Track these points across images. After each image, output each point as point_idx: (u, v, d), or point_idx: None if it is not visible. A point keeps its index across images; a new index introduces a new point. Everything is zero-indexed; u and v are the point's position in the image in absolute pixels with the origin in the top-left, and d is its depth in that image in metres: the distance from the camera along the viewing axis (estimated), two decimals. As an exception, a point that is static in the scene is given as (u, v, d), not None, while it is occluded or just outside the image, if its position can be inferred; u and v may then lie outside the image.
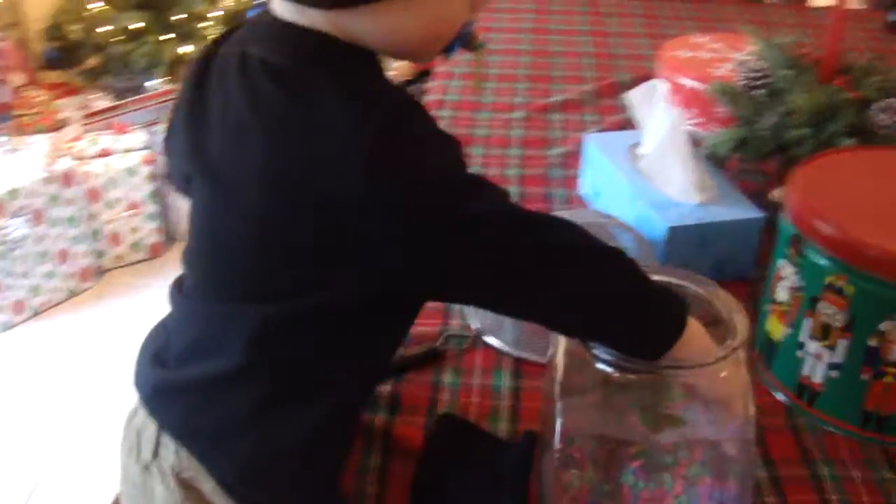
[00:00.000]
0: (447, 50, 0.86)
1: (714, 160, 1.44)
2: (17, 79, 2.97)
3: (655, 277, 0.87)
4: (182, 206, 3.01)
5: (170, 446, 0.90)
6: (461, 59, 2.07)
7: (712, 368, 0.83)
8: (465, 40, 0.85)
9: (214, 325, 0.88)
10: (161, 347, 0.93)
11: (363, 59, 0.82)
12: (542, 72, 2.02)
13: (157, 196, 2.98)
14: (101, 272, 2.97)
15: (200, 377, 0.88)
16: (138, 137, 2.93)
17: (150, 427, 0.91)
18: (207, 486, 0.89)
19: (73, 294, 2.86)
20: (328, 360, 0.88)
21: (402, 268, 0.78)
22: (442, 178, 0.77)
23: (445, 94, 1.92)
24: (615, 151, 1.47)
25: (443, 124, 1.76)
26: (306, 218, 0.76)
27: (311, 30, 0.80)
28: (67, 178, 2.72)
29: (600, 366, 0.83)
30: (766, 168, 1.43)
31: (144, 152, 2.91)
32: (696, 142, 1.42)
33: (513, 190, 1.57)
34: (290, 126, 0.76)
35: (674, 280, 0.89)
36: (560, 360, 0.87)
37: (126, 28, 3.06)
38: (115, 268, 3.01)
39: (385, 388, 1.15)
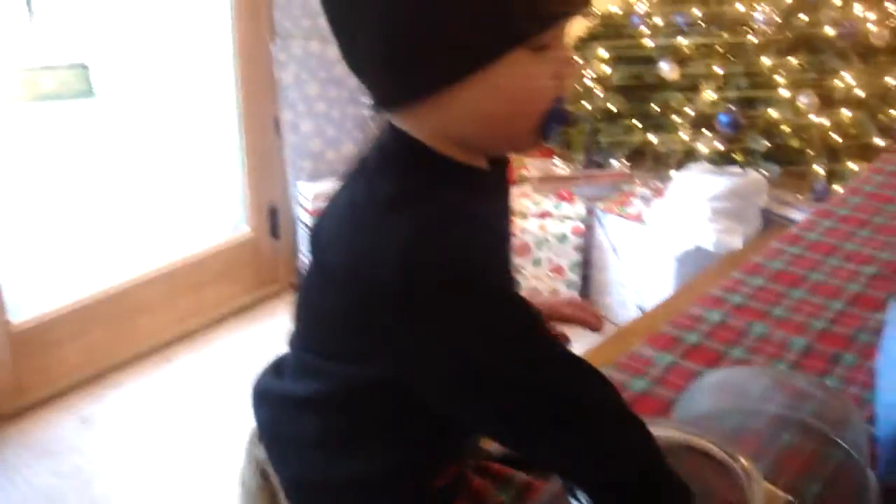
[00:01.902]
0: (545, 131, 0.86)
1: None
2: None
3: (678, 436, 0.81)
4: (602, 279, 3.12)
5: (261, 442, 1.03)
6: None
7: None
8: (559, 117, 0.84)
9: (301, 366, 0.99)
10: (280, 361, 1.06)
11: (432, 165, 0.87)
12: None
13: (580, 266, 3.12)
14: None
15: (287, 394, 1.00)
16: (578, 209, 3.10)
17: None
18: (276, 484, 1.01)
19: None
20: (377, 426, 0.94)
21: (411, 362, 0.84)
22: (460, 286, 0.80)
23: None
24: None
25: (785, 257, 1.69)
26: (360, 299, 0.84)
27: (396, 131, 0.87)
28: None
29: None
30: None
31: (578, 223, 3.07)
32: None
33: (797, 341, 1.45)
34: (361, 218, 0.86)
35: (702, 443, 0.81)
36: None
37: (606, 108, 3.24)
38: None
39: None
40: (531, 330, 0.83)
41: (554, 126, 0.85)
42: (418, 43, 0.80)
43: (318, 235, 0.95)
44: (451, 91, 0.81)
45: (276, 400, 1.02)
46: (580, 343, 1.18)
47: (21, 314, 2.58)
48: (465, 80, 0.81)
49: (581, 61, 3.31)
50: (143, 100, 4.78)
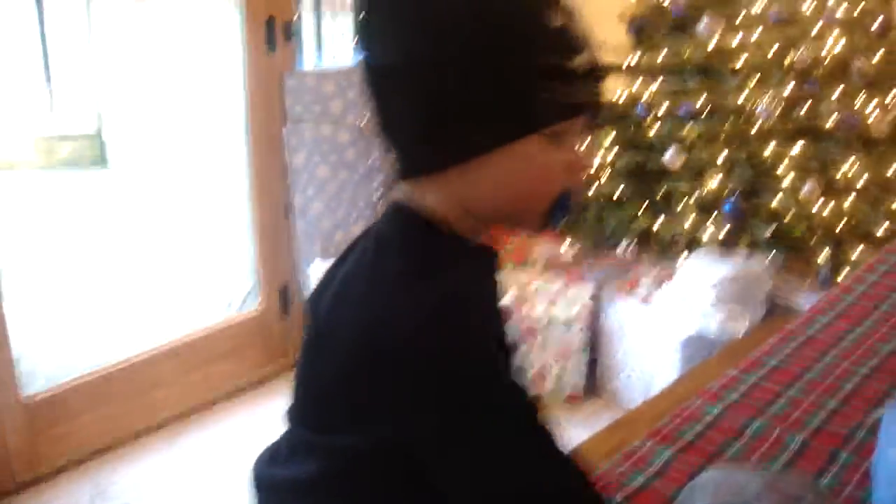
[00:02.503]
0: (553, 217, 0.94)
1: None
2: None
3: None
4: (608, 363, 3.15)
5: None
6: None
7: None
8: (564, 207, 0.93)
9: (296, 444, 1.03)
10: (276, 448, 1.10)
11: (444, 240, 0.93)
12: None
13: (587, 350, 3.15)
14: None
15: (282, 479, 1.04)
16: (585, 292, 3.15)
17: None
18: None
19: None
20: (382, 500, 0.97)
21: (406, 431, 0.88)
22: (470, 367, 0.86)
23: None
24: (903, 431, 1.34)
25: (781, 354, 1.74)
26: (363, 360, 0.90)
27: (407, 206, 0.94)
28: (509, 312, 3.00)
29: None
30: None
31: (585, 307, 3.12)
32: None
33: (793, 439, 1.49)
34: (373, 285, 0.92)
35: None
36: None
37: (611, 193, 3.31)
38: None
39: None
40: (530, 414, 0.90)
41: (559, 214, 0.92)
42: (450, 115, 0.88)
43: (316, 305, 1.01)
44: (476, 162, 0.89)
45: (271, 487, 1.06)
46: (586, 428, 1.23)
47: (36, 386, 2.63)
48: (490, 155, 0.89)
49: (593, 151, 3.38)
50: (157, 174, 4.90)
